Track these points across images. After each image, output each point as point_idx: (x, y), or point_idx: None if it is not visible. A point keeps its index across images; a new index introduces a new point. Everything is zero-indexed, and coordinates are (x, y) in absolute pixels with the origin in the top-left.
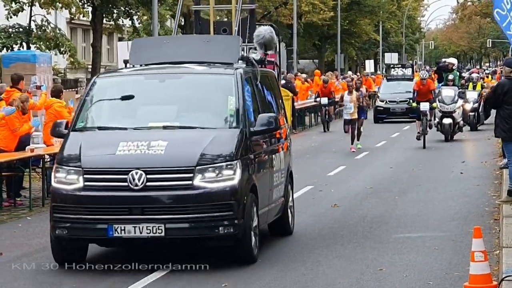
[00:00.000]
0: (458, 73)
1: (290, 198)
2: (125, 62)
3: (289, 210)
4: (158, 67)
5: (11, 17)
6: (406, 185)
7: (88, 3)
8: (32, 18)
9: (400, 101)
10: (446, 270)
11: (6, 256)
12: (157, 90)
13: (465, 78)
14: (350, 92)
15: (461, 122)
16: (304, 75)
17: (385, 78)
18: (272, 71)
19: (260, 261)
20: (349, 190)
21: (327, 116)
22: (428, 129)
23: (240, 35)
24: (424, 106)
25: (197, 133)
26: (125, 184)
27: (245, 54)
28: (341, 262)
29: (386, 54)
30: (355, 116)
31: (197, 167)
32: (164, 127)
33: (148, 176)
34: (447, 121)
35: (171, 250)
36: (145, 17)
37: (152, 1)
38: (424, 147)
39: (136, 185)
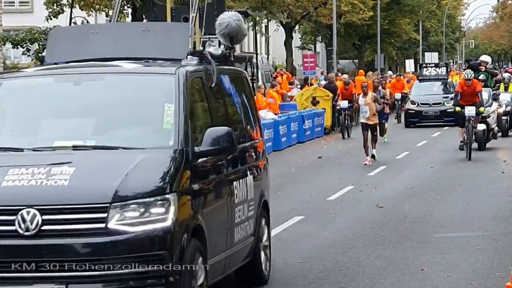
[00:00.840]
0: (487, 73)
1: (265, 236)
2: (40, 59)
3: (262, 252)
4: (75, 65)
5: (51, 19)
6: (448, 184)
7: (128, 5)
8: (72, 20)
9: (433, 104)
10: (488, 270)
11: None
12: (70, 97)
13: (496, 78)
14: (364, 94)
15: (496, 128)
16: (345, 76)
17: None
18: (243, 70)
19: (302, 261)
20: (389, 190)
21: (347, 121)
22: (473, 137)
23: (202, 24)
24: (470, 110)
25: (118, 156)
26: (12, 228)
27: (206, 49)
28: (382, 262)
29: (426, 53)
30: (375, 121)
31: (113, 204)
32: (74, 147)
33: (44, 217)
34: (480, 127)
35: None
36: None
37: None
38: (469, 158)
39: (28, 229)
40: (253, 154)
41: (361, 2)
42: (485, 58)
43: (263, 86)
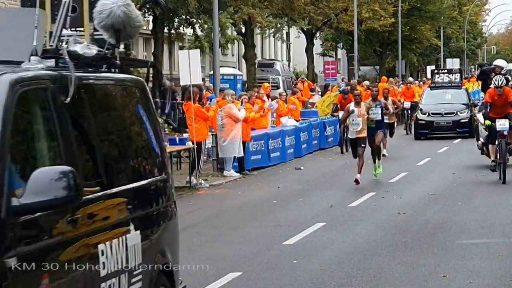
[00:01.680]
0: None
1: None
2: None
3: None
4: None
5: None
6: (469, 191)
7: (149, 12)
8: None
9: (446, 114)
10: (510, 277)
11: None
12: None
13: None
14: (357, 104)
15: None
16: (367, 82)
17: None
18: (139, 79)
19: (323, 268)
20: (411, 197)
21: (346, 134)
22: (508, 155)
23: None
24: (502, 124)
25: None
26: None
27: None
28: (404, 269)
29: (447, 59)
30: (363, 134)
31: None
32: None
33: None
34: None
35: None
36: (206, 26)
37: (213, 9)
38: (504, 181)
39: None
40: (145, 199)
41: (382, 8)
42: (500, 62)
43: (284, 93)
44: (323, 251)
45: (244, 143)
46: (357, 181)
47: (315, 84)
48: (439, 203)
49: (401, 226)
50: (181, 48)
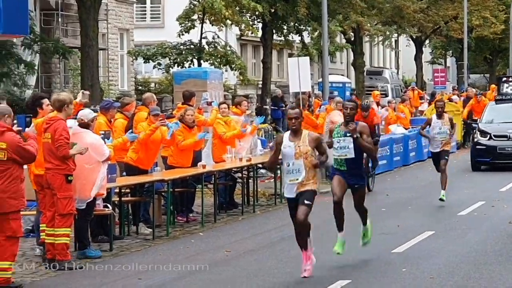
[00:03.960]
0: None
1: None
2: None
3: None
4: None
5: (183, 35)
6: None
7: (258, 20)
8: (203, 35)
9: None
10: None
11: (178, 271)
12: None
13: None
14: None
15: None
16: (474, 90)
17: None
18: None
19: (433, 277)
20: None
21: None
22: None
23: None
24: None
25: None
26: None
27: None
28: None
29: None
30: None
31: None
32: None
33: None
34: None
35: None
36: (315, 33)
37: (322, 16)
38: None
39: None
40: None
41: (493, 15)
42: None
43: (393, 101)
44: (432, 260)
45: None
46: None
47: (424, 92)
48: None
49: None
50: (290, 55)
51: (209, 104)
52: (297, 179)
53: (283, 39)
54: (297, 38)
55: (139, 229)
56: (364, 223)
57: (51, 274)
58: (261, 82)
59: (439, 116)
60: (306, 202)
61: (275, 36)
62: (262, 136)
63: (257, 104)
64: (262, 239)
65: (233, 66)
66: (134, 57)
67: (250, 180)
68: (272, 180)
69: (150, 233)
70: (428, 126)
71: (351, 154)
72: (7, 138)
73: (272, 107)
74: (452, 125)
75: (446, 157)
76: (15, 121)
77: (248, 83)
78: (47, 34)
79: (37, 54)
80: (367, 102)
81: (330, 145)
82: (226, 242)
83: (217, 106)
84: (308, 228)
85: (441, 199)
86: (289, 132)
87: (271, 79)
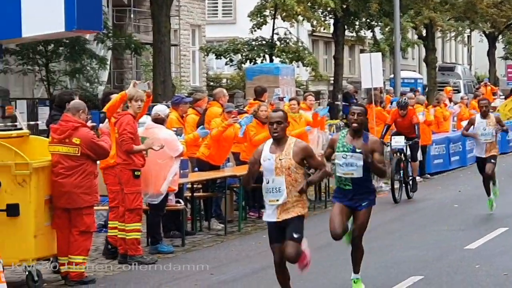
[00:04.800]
0: None
1: None
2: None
3: None
4: None
5: (255, 31)
6: None
7: (330, 16)
8: (275, 31)
9: None
10: None
11: (250, 266)
12: None
13: None
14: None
15: None
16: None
17: None
18: None
19: (506, 274)
20: None
21: (403, 171)
22: None
23: None
24: None
25: None
26: None
27: None
28: None
29: None
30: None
31: None
32: None
33: None
34: None
35: None
36: (387, 28)
37: (394, 12)
38: None
39: None
40: None
41: None
42: None
43: (466, 97)
44: (506, 257)
45: (425, 146)
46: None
47: (497, 87)
48: None
49: None
50: (362, 51)
51: (281, 99)
52: (277, 200)
53: (355, 35)
54: (368, 34)
55: (211, 224)
56: (356, 271)
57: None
58: (332, 78)
59: (484, 115)
60: (294, 236)
61: (346, 32)
62: (333, 132)
63: (329, 100)
64: None
65: (304, 62)
66: (206, 53)
67: None
68: None
69: (222, 228)
70: (472, 127)
71: (359, 174)
72: (81, 133)
73: (343, 103)
74: (502, 125)
75: (492, 161)
76: (89, 116)
77: (320, 79)
78: (119, 30)
79: (109, 50)
80: (404, 99)
81: (328, 158)
82: None
83: (289, 101)
84: None
85: (491, 204)
86: (271, 141)
87: (342, 75)
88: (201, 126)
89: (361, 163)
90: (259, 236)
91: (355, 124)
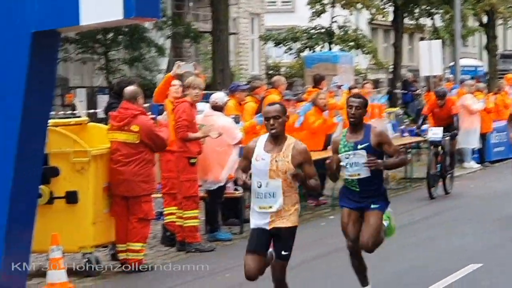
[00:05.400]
0: None
1: None
2: None
3: None
4: None
5: (314, 19)
6: None
7: (390, 3)
8: (334, 19)
9: None
10: None
11: (309, 253)
12: None
13: None
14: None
15: None
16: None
17: None
18: None
19: None
20: None
21: (442, 165)
22: None
23: None
24: None
25: None
26: None
27: None
28: None
29: None
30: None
31: None
32: None
33: None
34: None
35: None
36: (447, 16)
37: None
38: None
39: None
40: None
41: None
42: None
43: None
44: None
45: (485, 134)
46: None
47: None
48: None
49: None
50: (421, 39)
51: (339, 87)
52: (270, 207)
53: (414, 22)
54: (428, 21)
55: None
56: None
57: (181, 256)
58: (392, 67)
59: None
60: (283, 254)
61: (406, 20)
62: (393, 120)
63: (388, 88)
64: None
65: (364, 49)
66: (264, 42)
67: None
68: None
69: None
70: None
71: (365, 173)
72: (140, 121)
73: (402, 91)
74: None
75: None
76: (146, 104)
77: (381, 67)
78: (178, 18)
79: (168, 38)
80: (443, 88)
81: (338, 162)
82: None
83: (348, 89)
84: None
85: None
86: (266, 136)
87: (401, 63)
88: (259, 114)
89: (364, 160)
90: (317, 224)
91: (352, 119)
